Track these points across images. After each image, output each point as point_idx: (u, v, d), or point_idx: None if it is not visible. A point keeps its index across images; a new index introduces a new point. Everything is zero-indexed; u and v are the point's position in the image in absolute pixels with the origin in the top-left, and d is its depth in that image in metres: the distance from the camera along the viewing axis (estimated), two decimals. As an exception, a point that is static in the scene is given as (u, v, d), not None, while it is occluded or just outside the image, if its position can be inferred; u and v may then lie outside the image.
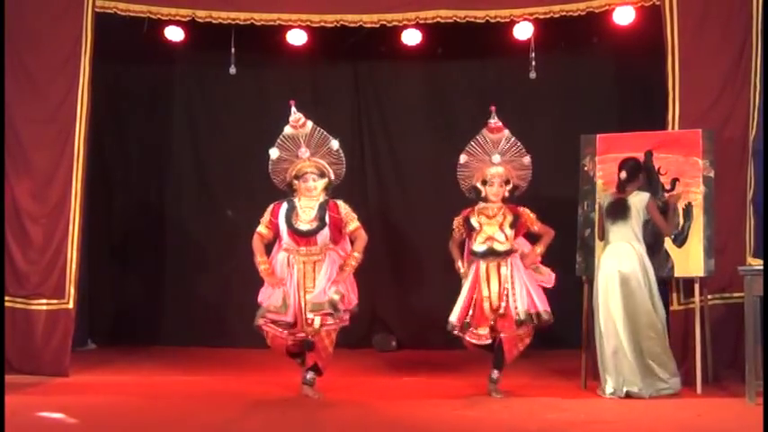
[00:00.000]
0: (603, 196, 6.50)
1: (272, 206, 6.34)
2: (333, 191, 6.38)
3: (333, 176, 6.34)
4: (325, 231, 6.20)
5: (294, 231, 6.18)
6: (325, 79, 8.99)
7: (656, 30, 7.04)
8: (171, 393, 6.55)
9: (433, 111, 9.00)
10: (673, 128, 6.80)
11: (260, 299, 6.23)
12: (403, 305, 8.88)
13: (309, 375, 6.23)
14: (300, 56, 8.32)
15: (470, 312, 6.27)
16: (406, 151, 8.99)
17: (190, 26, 7.74)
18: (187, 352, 8.48)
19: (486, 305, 6.20)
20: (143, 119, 9.20)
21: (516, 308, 6.16)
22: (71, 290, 7.08)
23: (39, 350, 7.06)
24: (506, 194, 6.39)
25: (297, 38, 7.93)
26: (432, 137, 8.91)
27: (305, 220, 6.19)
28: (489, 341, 6.24)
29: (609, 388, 6.19)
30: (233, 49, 7.74)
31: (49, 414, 5.74)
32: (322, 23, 7.48)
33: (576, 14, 7.24)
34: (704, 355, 6.46)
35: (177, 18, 7.47)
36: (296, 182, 6.29)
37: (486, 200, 6.40)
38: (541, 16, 7.30)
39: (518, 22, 7.48)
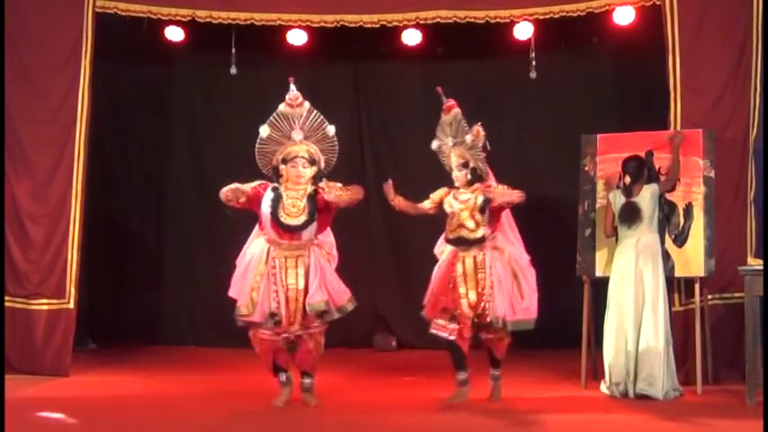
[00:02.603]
0: (614, 195, 6.40)
1: (260, 181, 5.95)
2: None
3: (323, 165, 5.94)
4: (313, 227, 5.83)
5: (279, 225, 5.78)
6: (326, 79, 8.97)
7: (656, 30, 7.03)
8: (171, 393, 6.55)
9: (432, 110, 8.95)
10: (674, 128, 6.78)
11: (231, 293, 5.85)
12: (403, 305, 8.85)
13: (307, 381, 5.99)
14: (300, 56, 8.30)
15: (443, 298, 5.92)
16: (406, 151, 8.96)
17: (190, 26, 7.74)
18: (187, 352, 8.49)
19: (465, 302, 5.87)
20: (143, 119, 9.20)
21: (489, 310, 5.81)
22: (72, 290, 7.09)
23: (39, 350, 7.07)
24: (468, 178, 6.01)
25: (297, 38, 7.93)
26: (432, 137, 8.81)
27: (292, 214, 5.78)
28: (453, 337, 5.87)
29: (612, 386, 6.19)
30: (233, 50, 7.75)
31: (49, 414, 5.75)
32: (322, 23, 7.48)
33: (575, 15, 7.23)
34: (704, 355, 6.46)
35: (177, 18, 7.46)
36: (283, 166, 5.87)
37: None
38: (541, 16, 7.28)
39: (518, 22, 7.47)
